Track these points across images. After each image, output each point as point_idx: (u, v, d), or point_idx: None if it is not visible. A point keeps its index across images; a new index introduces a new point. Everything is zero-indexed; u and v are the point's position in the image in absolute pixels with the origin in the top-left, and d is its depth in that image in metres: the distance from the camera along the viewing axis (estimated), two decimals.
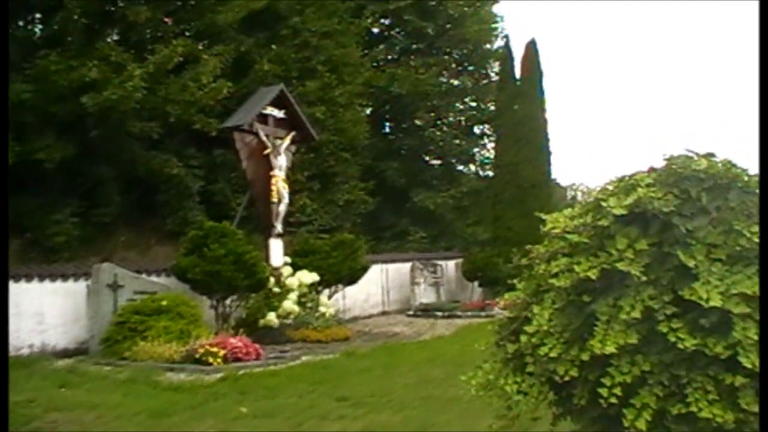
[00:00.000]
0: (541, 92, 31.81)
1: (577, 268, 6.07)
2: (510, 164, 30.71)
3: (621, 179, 6.68)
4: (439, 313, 27.25)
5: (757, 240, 6.11)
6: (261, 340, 18.55)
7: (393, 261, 30.01)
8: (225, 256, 19.70)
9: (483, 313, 25.64)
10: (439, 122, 38.58)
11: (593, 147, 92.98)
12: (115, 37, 24.54)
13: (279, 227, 22.69)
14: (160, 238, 25.02)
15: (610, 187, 6.69)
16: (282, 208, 22.81)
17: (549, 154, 31.84)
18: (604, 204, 6.25)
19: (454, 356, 16.38)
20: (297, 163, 25.77)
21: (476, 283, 30.58)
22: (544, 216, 6.84)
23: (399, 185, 34.83)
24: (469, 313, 26.46)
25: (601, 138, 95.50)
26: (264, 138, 22.61)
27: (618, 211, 6.18)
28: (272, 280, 21.49)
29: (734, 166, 6.66)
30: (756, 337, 5.63)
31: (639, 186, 6.29)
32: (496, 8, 39.08)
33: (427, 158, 38.43)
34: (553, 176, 33.63)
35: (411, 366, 16.18)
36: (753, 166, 7.05)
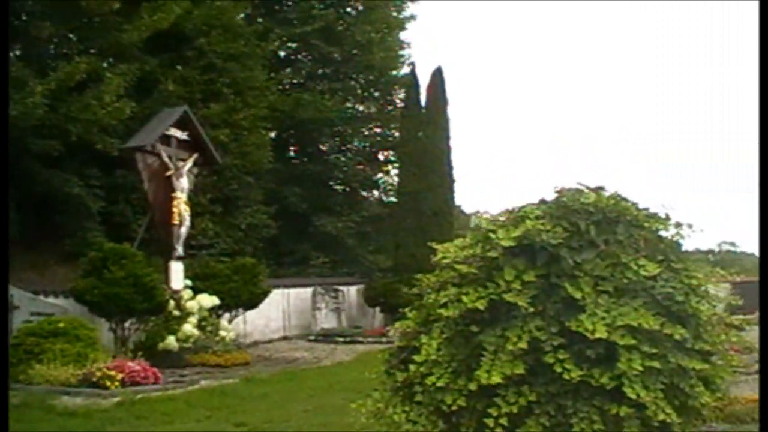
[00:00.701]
0: (446, 120, 32.07)
1: (465, 299, 6.15)
2: (413, 191, 30.86)
3: (511, 211, 6.79)
4: (340, 339, 27.26)
5: (644, 273, 6.25)
6: (160, 364, 18.33)
7: (294, 286, 29.93)
8: (124, 278, 19.50)
9: (384, 340, 25.67)
10: (343, 148, 38.69)
11: (500, 174, 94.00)
12: (17, 52, 24.15)
13: (180, 250, 22.47)
14: (58, 259, 24.60)
15: (501, 218, 6.79)
16: (183, 230, 22.58)
17: (453, 181, 32.09)
18: (492, 236, 6.34)
19: (353, 383, 16.38)
20: (199, 185, 25.56)
21: (377, 309, 30.66)
22: (435, 246, 6.92)
23: (302, 210, 34.76)
24: (370, 339, 26.51)
25: (508, 165, 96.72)
26: (166, 159, 22.39)
27: (506, 243, 6.28)
28: (172, 303, 21.27)
29: (623, 199, 6.82)
30: (641, 368, 5.75)
31: (528, 218, 6.40)
32: (403, 35, 39.37)
33: (330, 184, 38.44)
34: (457, 203, 33.88)
35: (310, 392, 16.16)
36: (652, 173, 7.17)
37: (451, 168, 31.98)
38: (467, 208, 48.09)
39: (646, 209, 7.04)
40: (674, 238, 7.03)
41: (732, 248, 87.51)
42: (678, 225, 7.01)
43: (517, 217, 6.58)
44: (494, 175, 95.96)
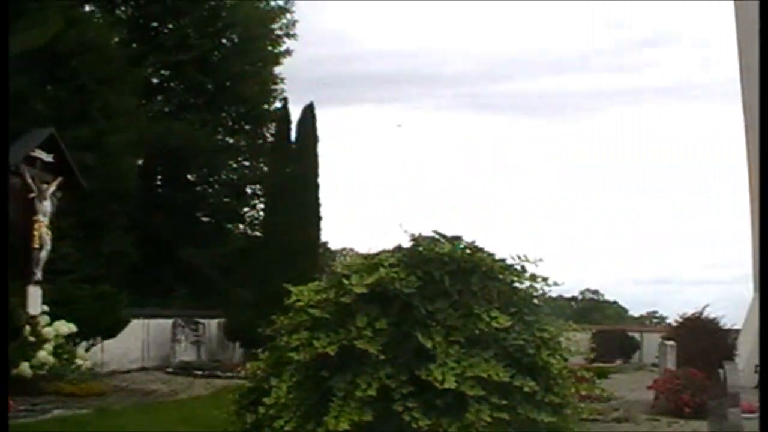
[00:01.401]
0: (315, 156, 32.24)
1: (316, 343, 6.27)
2: (279, 226, 30.90)
3: (366, 256, 6.94)
4: (199, 372, 27.03)
5: (496, 325, 6.44)
6: (12, 392, 17.90)
7: (155, 316, 29.59)
8: None
9: (243, 374, 25.54)
10: (211, 179, 38.50)
11: (369, 212, 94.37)
12: None
13: (38, 274, 22.03)
14: None
15: (357, 262, 6.93)
16: (43, 254, 22.17)
17: (319, 218, 32.24)
18: (346, 282, 6.47)
19: (208, 418, 16.22)
20: (63, 209, 25.11)
21: (238, 344, 30.51)
22: (290, 288, 7.02)
23: (166, 240, 34.41)
24: (229, 374, 26.30)
25: (377, 203, 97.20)
26: (29, 181, 21.98)
27: (359, 290, 6.41)
28: (27, 328, 20.83)
29: (479, 250, 7.01)
30: (489, 419, 5.92)
31: (382, 265, 6.54)
32: (278, 70, 39.46)
33: (197, 215, 38.16)
34: (323, 240, 34.00)
35: (165, 426, 15.99)
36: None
37: (318, 204, 32.13)
38: (334, 245, 48.29)
39: (502, 260, 7.27)
40: (529, 290, 7.26)
41: (595, 296, 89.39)
42: (533, 277, 7.26)
43: (371, 263, 6.73)
44: (363, 213, 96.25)
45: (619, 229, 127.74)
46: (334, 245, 49.37)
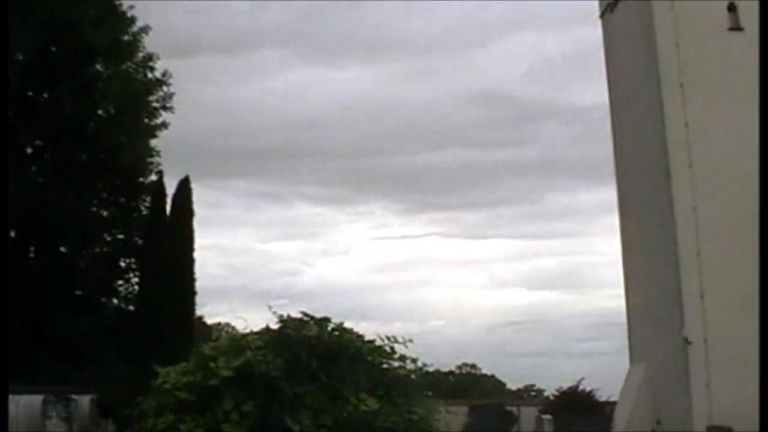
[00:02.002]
0: (191, 230, 31.96)
1: (182, 427, 6.16)
2: (153, 301, 30.44)
3: (233, 338, 6.88)
4: None
5: (364, 408, 6.40)
6: None
7: (25, 392, 28.62)
8: None
9: None
10: (84, 252, 37.72)
11: (245, 288, 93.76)
12: None
13: None
14: None
15: (224, 343, 6.85)
16: None
17: (194, 293, 31.87)
18: (213, 364, 6.40)
19: None
20: None
21: (111, 421, 29.78)
22: (158, 369, 6.90)
23: (38, 313, 33.46)
24: None
25: (252, 279, 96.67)
26: None
27: (226, 373, 6.34)
28: None
29: (347, 331, 6.99)
30: None
31: (249, 348, 6.49)
32: (154, 142, 39.05)
33: (69, 287, 37.24)
34: (198, 315, 33.57)
35: None
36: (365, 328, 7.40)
37: (193, 279, 31.78)
38: (210, 320, 47.76)
39: (371, 342, 7.25)
40: (398, 371, 7.25)
41: (472, 370, 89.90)
42: (402, 359, 7.25)
43: (238, 345, 6.67)
44: (241, 287, 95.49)
45: (496, 301, 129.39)
46: (209, 320, 48.81)
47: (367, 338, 8.90)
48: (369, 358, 6.90)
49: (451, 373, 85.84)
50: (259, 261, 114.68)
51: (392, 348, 7.22)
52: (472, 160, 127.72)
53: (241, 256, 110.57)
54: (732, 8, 28.98)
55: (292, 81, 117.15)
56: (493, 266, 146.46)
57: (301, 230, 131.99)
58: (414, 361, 7.01)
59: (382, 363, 7.14)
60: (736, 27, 28.86)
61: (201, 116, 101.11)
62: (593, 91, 33.02)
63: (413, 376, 7.68)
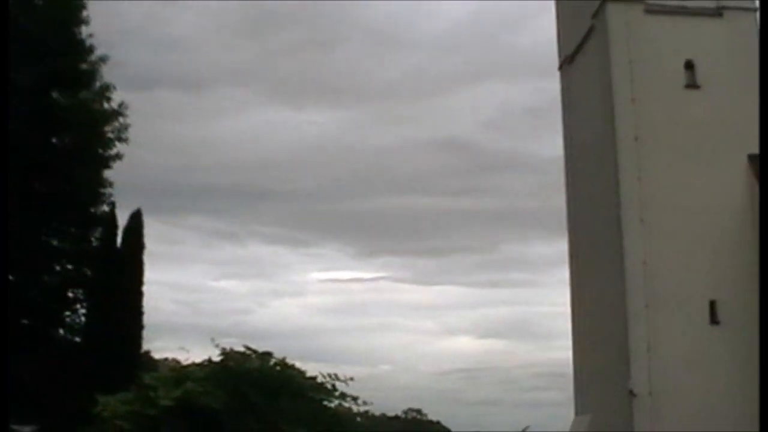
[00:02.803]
0: (140, 263, 31.72)
1: None
2: (100, 334, 30.11)
3: (175, 369, 6.84)
4: None
5: None
6: None
7: None
8: None
9: None
10: (33, 281, 37.18)
11: (193, 322, 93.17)
12: None
13: None
14: None
15: (166, 374, 6.81)
16: None
17: (142, 327, 31.58)
18: (153, 394, 6.35)
19: None
20: None
21: None
22: (99, 398, 6.85)
23: None
24: None
25: (201, 314, 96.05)
26: None
27: (165, 403, 6.30)
28: None
29: (289, 367, 6.97)
30: None
31: (190, 379, 6.45)
32: (107, 173, 38.69)
33: (15, 319, 36.65)
34: (146, 349, 33.23)
35: None
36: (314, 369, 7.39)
37: (141, 313, 31.50)
38: (158, 354, 47.23)
39: (313, 378, 7.22)
40: (338, 409, 7.24)
41: (418, 415, 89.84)
42: (342, 396, 7.23)
43: (179, 376, 6.63)
44: (191, 324, 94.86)
45: (446, 348, 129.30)
46: (157, 354, 48.25)
47: (309, 375, 8.90)
48: (310, 394, 6.87)
49: (396, 417, 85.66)
50: (211, 298, 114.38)
51: (333, 386, 7.22)
52: (428, 206, 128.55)
53: (193, 293, 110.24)
54: (689, 66, 29.35)
55: (254, 121, 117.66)
56: (443, 313, 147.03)
57: (253, 269, 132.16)
58: (355, 399, 7.02)
59: (322, 400, 7.12)
60: (692, 85, 29.22)
61: (159, 151, 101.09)
62: (552, 143, 33.43)
63: (359, 419, 7.61)
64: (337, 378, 7.61)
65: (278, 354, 8.53)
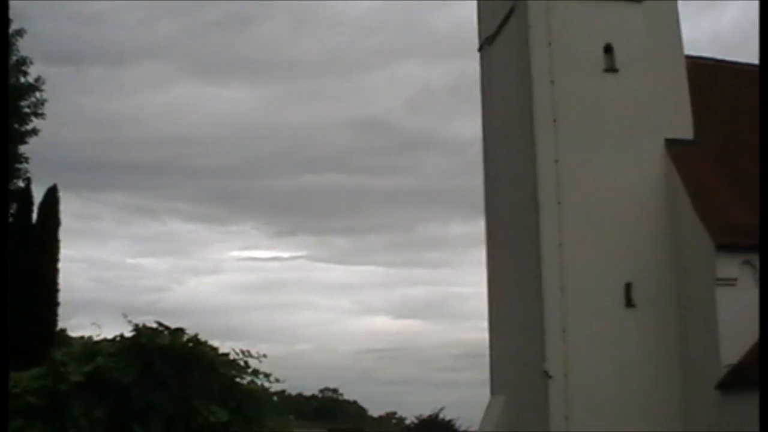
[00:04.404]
0: (56, 240, 31.24)
1: None
2: (13, 309, 29.47)
3: (86, 344, 6.73)
4: None
5: (213, 419, 6.31)
6: None
7: None
8: None
9: None
10: None
11: (117, 302, 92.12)
12: None
13: None
14: None
15: (77, 350, 6.69)
16: None
17: (57, 304, 31.13)
18: (63, 369, 6.24)
19: None
20: None
21: None
22: (12, 374, 6.71)
23: None
24: None
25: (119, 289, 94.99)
26: None
27: (76, 378, 6.18)
28: None
29: (201, 343, 6.89)
30: None
31: (101, 354, 6.35)
32: (23, 148, 37.96)
33: None
34: (62, 327, 32.82)
35: None
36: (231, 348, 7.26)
37: (56, 290, 31.03)
38: (74, 332, 46.54)
39: (225, 355, 7.15)
40: (250, 386, 7.17)
41: (334, 395, 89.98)
42: (255, 373, 7.17)
43: (90, 351, 6.51)
44: (109, 301, 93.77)
45: (363, 327, 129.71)
46: (74, 332, 47.60)
47: (221, 352, 8.84)
48: (222, 370, 6.85)
49: (313, 397, 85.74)
50: (129, 275, 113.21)
51: (246, 362, 7.19)
52: (347, 185, 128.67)
53: (111, 270, 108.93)
54: (608, 50, 29.58)
55: (174, 96, 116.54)
56: (361, 293, 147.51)
57: (171, 247, 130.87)
58: (267, 376, 6.99)
59: (234, 376, 7.10)
60: (611, 68, 29.46)
61: (79, 126, 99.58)
62: (472, 125, 33.58)
63: (275, 398, 7.62)
64: (250, 355, 7.62)
65: (194, 332, 8.54)
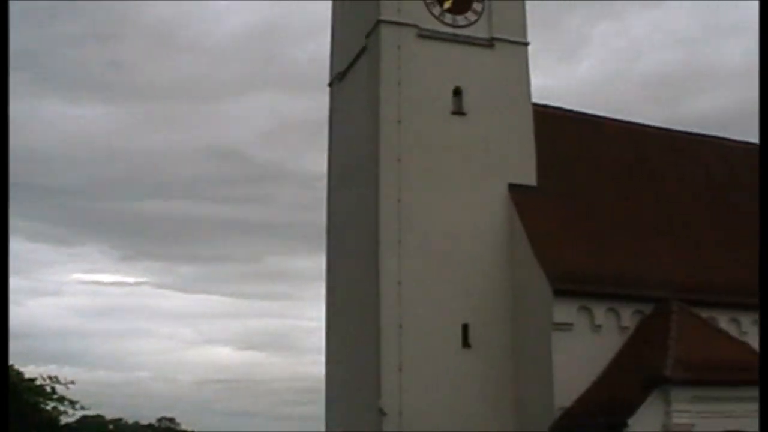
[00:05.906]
0: None
1: None
2: None
3: None
4: None
5: None
6: None
7: None
8: None
9: None
10: None
11: None
12: None
13: None
14: None
15: None
16: None
17: None
18: None
19: None
20: None
21: None
22: None
23: None
24: None
25: None
26: None
27: None
28: None
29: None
30: None
31: None
32: None
33: None
34: None
35: None
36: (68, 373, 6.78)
37: None
38: None
39: (32, 380, 6.65)
40: (53, 413, 6.71)
41: (171, 425, 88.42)
42: (60, 400, 6.70)
43: None
44: None
45: (205, 357, 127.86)
46: None
47: (28, 377, 8.39)
48: (25, 396, 6.38)
49: (150, 426, 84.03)
50: None
51: (53, 388, 6.75)
52: (196, 213, 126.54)
53: None
54: (457, 93, 29.63)
55: (22, 109, 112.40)
56: (204, 322, 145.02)
57: (11, 266, 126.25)
58: (73, 403, 6.57)
59: (38, 402, 6.64)
60: (459, 111, 29.46)
61: None
62: (322, 159, 33.26)
63: (111, 426, 7.09)
64: (57, 381, 7.27)
65: (32, 357, 8.08)
